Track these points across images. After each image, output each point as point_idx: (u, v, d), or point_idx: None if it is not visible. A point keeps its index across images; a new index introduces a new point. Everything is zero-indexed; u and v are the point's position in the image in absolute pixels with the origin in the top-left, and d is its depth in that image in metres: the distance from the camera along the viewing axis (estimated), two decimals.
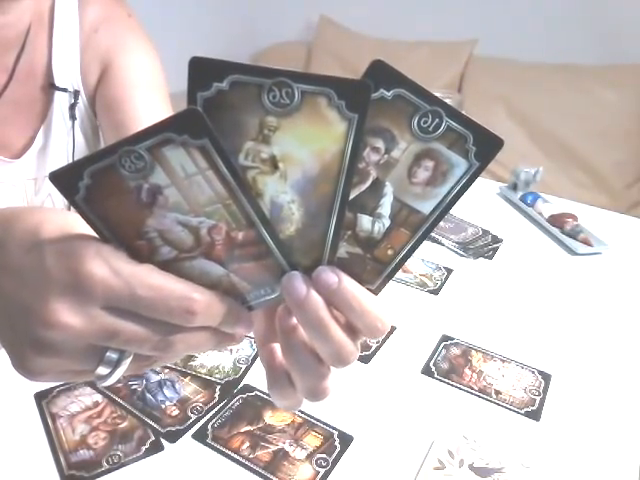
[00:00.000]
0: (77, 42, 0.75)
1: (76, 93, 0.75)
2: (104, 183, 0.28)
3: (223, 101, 0.27)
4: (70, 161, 0.77)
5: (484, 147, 0.30)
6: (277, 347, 0.35)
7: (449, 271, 0.83)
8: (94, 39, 0.76)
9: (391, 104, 0.29)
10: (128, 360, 0.31)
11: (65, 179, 0.28)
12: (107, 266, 0.29)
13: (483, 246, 0.91)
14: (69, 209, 0.86)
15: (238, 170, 0.28)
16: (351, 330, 0.32)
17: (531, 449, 0.54)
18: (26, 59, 0.72)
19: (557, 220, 0.97)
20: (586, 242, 0.91)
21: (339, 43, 2.40)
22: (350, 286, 0.31)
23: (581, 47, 2.06)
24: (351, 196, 0.31)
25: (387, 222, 0.32)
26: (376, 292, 0.33)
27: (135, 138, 0.27)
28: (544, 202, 1.03)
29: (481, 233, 0.95)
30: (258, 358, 0.62)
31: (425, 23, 2.26)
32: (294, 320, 0.32)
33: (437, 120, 0.29)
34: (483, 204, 1.07)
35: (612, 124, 1.95)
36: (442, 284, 0.80)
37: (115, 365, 0.31)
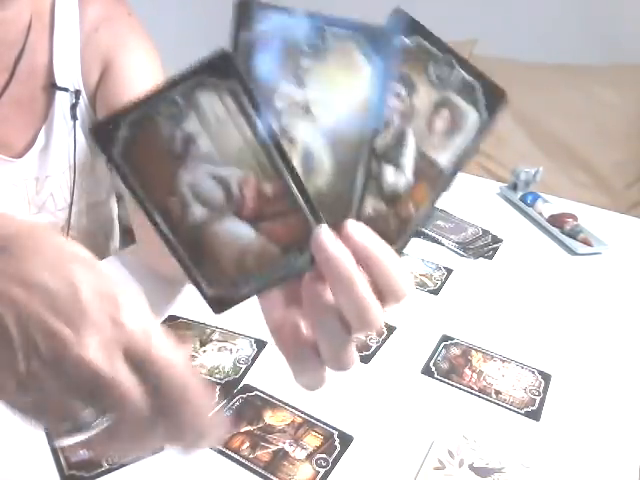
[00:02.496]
0: (78, 41, 0.75)
1: (77, 93, 0.75)
2: (141, 134, 0.28)
3: (263, 41, 0.28)
4: (71, 161, 0.77)
5: (491, 98, 0.31)
6: (301, 323, 0.35)
7: (449, 271, 0.83)
8: (94, 38, 0.76)
9: (410, 52, 0.30)
10: (97, 428, 0.30)
11: (104, 131, 0.28)
12: (143, 322, 0.29)
13: (483, 246, 0.91)
14: (70, 208, 0.86)
15: (266, 115, 0.28)
16: (375, 292, 0.32)
17: (531, 449, 0.54)
18: (27, 59, 0.72)
19: (557, 220, 0.97)
20: (586, 242, 0.91)
21: None
22: (379, 245, 0.31)
23: (581, 47, 2.06)
24: (376, 144, 0.31)
25: (410, 174, 0.32)
26: (399, 252, 0.33)
27: (170, 84, 0.28)
28: (544, 202, 1.03)
29: (481, 233, 0.95)
30: (258, 358, 0.62)
31: (425, 23, 2.25)
32: (321, 285, 0.32)
33: (450, 68, 0.30)
34: (483, 204, 1.07)
35: (612, 124, 1.95)
36: (442, 284, 0.80)
37: (85, 427, 0.30)
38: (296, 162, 0.30)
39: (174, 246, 0.31)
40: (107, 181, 0.87)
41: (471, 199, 1.05)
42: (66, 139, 0.76)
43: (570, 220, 0.95)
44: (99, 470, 0.49)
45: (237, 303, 0.33)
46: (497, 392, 0.61)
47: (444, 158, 0.31)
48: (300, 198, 0.30)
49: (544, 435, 0.56)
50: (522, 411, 0.58)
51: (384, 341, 0.67)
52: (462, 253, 0.89)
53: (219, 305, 0.33)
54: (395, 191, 0.32)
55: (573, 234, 0.93)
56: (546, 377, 0.63)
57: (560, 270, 0.87)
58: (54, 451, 0.50)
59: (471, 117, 0.31)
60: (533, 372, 0.64)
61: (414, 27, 0.30)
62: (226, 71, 0.27)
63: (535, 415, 0.58)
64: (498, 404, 0.59)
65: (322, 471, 0.50)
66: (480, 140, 0.31)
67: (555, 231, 0.95)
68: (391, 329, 0.69)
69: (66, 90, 0.74)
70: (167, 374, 0.30)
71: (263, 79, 0.29)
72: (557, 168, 1.98)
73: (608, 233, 0.94)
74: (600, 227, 0.96)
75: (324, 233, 0.31)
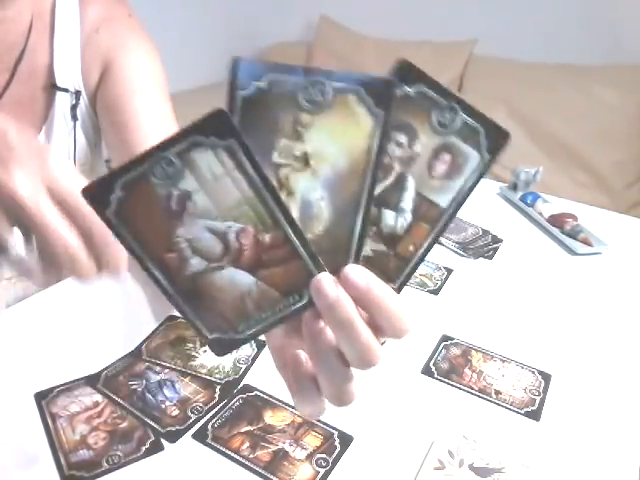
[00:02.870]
0: (78, 42, 0.75)
1: (77, 93, 0.75)
2: (135, 194, 0.28)
3: (262, 100, 0.28)
4: (71, 162, 0.77)
5: (493, 141, 0.32)
6: (301, 354, 0.35)
7: (449, 271, 0.83)
8: (95, 39, 0.76)
9: (413, 100, 0.31)
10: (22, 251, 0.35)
11: (96, 193, 0.29)
12: (68, 170, 0.35)
13: (483, 246, 0.91)
14: None
15: (263, 169, 0.29)
16: (376, 330, 0.32)
17: (531, 449, 0.54)
18: (27, 59, 0.72)
19: (557, 220, 0.97)
20: (586, 242, 0.91)
21: (339, 43, 2.40)
22: (379, 286, 0.31)
23: (581, 47, 2.06)
24: (376, 191, 0.31)
25: (409, 217, 0.33)
26: (398, 290, 0.33)
27: (165, 144, 0.28)
28: (544, 202, 1.03)
29: (481, 233, 0.95)
30: (258, 358, 0.62)
31: (425, 23, 2.26)
32: (321, 324, 0.32)
33: (453, 115, 0.31)
34: (483, 204, 1.07)
35: (612, 124, 1.95)
36: (442, 284, 0.80)
37: (10, 248, 0.34)
38: (295, 212, 0.30)
39: (172, 296, 0.32)
40: None
41: (471, 199, 1.05)
42: (66, 139, 0.77)
43: (570, 220, 0.95)
44: (99, 470, 0.49)
45: (240, 346, 0.34)
46: (497, 392, 0.61)
47: (444, 199, 0.32)
48: (299, 246, 0.31)
49: (544, 435, 0.56)
50: (522, 411, 0.58)
51: (384, 341, 0.67)
52: (462, 253, 0.89)
53: (221, 348, 0.33)
54: (394, 233, 0.33)
55: (573, 234, 0.93)
56: (546, 377, 0.63)
57: (560, 270, 0.87)
58: (54, 451, 0.50)
59: (473, 160, 0.32)
60: (533, 372, 0.64)
61: (417, 75, 0.30)
62: (222, 130, 0.27)
63: (535, 415, 0.58)
64: (498, 404, 0.59)
65: (322, 471, 0.50)
66: (479, 180, 0.32)
67: (555, 231, 0.95)
68: None
69: (66, 91, 0.74)
70: (90, 217, 0.33)
71: (261, 135, 0.29)
72: (557, 168, 1.99)
73: (608, 233, 0.94)
74: (600, 227, 0.96)
75: (323, 280, 0.31)
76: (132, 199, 0.29)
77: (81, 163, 0.79)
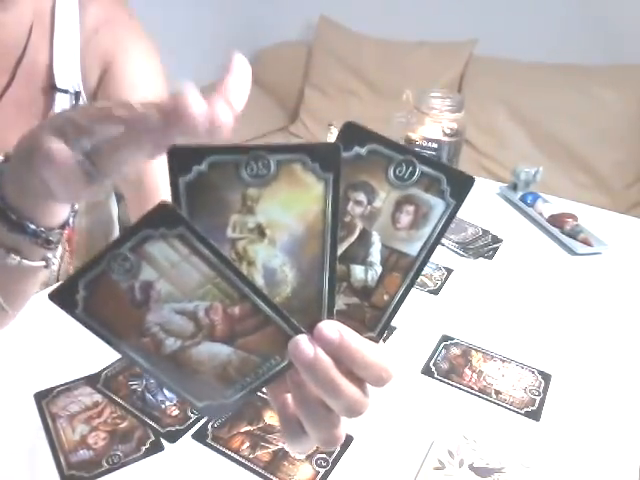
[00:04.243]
0: (78, 43, 0.75)
1: (77, 94, 0.75)
2: (99, 291, 0.29)
3: (205, 182, 0.29)
4: None
5: (457, 186, 0.32)
6: (289, 397, 0.35)
7: (449, 271, 0.83)
8: (94, 40, 0.75)
9: (367, 159, 0.31)
10: None
11: (62, 296, 0.30)
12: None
13: (483, 246, 0.91)
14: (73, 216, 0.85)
15: (218, 248, 0.29)
16: (359, 381, 0.32)
17: (531, 449, 0.54)
18: (27, 60, 0.72)
19: (557, 220, 0.97)
20: (586, 242, 0.91)
21: (339, 43, 2.40)
22: (352, 339, 0.31)
23: (581, 47, 2.06)
24: (341, 249, 0.32)
25: (379, 269, 0.33)
26: (377, 339, 0.34)
27: (118, 242, 0.28)
28: (544, 202, 1.03)
29: (481, 233, 0.95)
30: None
31: (425, 23, 2.26)
32: (303, 378, 0.32)
33: (411, 168, 0.31)
34: (483, 204, 1.07)
35: (612, 124, 1.95)
36: (442, 284, 0.80)
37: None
38: (259, 280, 0.31)
39: (157, 376, 0.32)
40: (107, 189, 0.87)
41: (471, 199, 1.05)
42: None
43: (570, 220, 0.95)
44: (99, 470, 0.49)
45: (232, 409, 0.34)
46: (497, 392, 0.61)
47: (413, 248, 0.33)
48: (270, 312, 0.31)
49: (544, 435, 0.56)
50: (522, 411, 0.58)
51: (384, 341, 0.67)
52: (462, 253, 0.89)
53: (214, 414, 0.35)
54: (366, 286, 0.33)
55: (573, 234, 0.93)
56: (546, 377, 0.63)
57: (560, 270, 0.87)
58: (54, 451, 0.50)
59: (438, 207, 0.32)
60: (533, 372, 0.64)
61: (368, 136, 0.31)
62: (169, 220, 0.28)
63: (535, 415, 0.58)
64: (498, 404, 0.59)
65: (322, 471, 0.50)
66: (449, 224, 0.33)
67: (555, 231, 0.95)
68: (391, 329, 0.69)
69: (66, 92, 0.74)
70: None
71: (212, 215, 0.29)
72: (557, 168, 1.98)
73: (608, 233, 0.94)
74: (600, 227, 0.96)
75: (299, 342, 0.31)
76: (97, 296, 0.29)
77: None
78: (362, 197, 0.32)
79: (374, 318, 0.34)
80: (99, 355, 0.61)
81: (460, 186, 0.32)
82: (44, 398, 0.56)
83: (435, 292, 0.78)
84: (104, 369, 0.60)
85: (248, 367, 0.33)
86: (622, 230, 1.00)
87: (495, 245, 0.92)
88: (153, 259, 0.29)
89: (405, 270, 0.33)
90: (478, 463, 0.52)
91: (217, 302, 0.30)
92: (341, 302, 0.33)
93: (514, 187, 1.10)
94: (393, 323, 0.70)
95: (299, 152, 0.29)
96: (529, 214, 1.02)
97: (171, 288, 0.30)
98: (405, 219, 0.32)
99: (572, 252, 0.91)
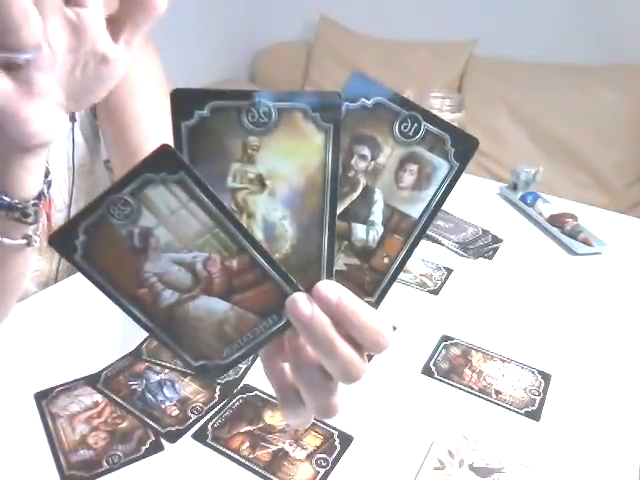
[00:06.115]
0: None
1: None
2: (98, 236, 0.29)
3: (206, 127, 0.29)
4: (70, 163, 0.77)
5: (462, 148, 0.31)
6: (286, 366, 0.35)
7: (449, 271, 0.83)
8: None
9: (372, 112, 0.31)
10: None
11: (62, 239, 0.29)
12: None
13: (483, 246, 0.91)
14: (69, 209, 0.85)
15: (218, 197, 0.29)
16: (357, 345, 0.32)
17: (531, 449, 0.54)
18: None
19: (557, 220, 0.97)
20: (586, 242, 0.91)
21: (339, 43, 2.40)
22: (350, 301, 0.31)
23: (581, 47, 2.06)
24: (344, 205, 0.32)
25: (380, 229, 0.33)
26: (376, 304, 0.33)
27: (118, 186, 0.28)
28: (544, 202, 1.03)
29: (481, 233, 0.95)
30: (258, 358, 0.62)
31: (425, 23, 2.26)
32: (301, 339, 0.32)
33: (416, 124, 0.31)
34: (483, 204, 1.07)
35: (612, 124, 1.95)
36: (442, 284, 0.80)
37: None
38: (258, 234, 0.31)
39: (153, 330, 0.32)
40: (106, 182, 0.87)
41: (471, 199, 1.05)
42: (64, 141, 0.76)
43: (570, 220, 0.95)
44: (99, 470, 0.49)
45: (227, 371, 0.34)
46: (497, 392, 0.61)
47: (416, 210, 0.32)
48: (268, 267, 0.31)
49: (544, 435, 0.56)
50: (522, 411, 0.58)
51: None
52: (462, 253, 0.89)
53: (208, 375, 0.34)
54: (367, 246, 0.33)
55: (573, 234, 0.93)
56: (546, 377, 0.63)
57: (560, 270, 0.87)
58: (54, 451, 0.50)
59: (442, 168, 0.32)
60: (533, 372, 0.64)
61: (376, 88, 0.31)
62: (170, 165, 0.28)
63: (535, 415, 0.58)
64: (498, 404, 0.59)
65: (322, 471, 0.50)
66: (451, 188, 0.32)
67: (555, 231, 0.95)
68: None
69: None
70: None
71: (213, 162, 0.29)
72: (557, 168, 1.99)
73: (608, 233, 0.94)
74: (600, 227, 0.95)
75: (297, 300, 0.31)
76: (96, 241, 0.29)
77: (80, 164, 0.79)
78: (366, 151, 0.31)
79: (373, 282, 0.33)
80: (99, 355, 0.61)
81: (464, 147, 0.32)
82: (44, 398, 0.56)
83: (435, 292, 0.78)
84: (104, 369, 0.60)
85: (245, 325, 0.32)
86: (622, 230, 1.00)
87: (495, 245, 0.92)
88: (153, 205, 0.29)
89: (406, 233, 0.32)
90: (478, 463, 0.52)
91: (215, 253, 0.30)
92: (341, 262, 0.33)
93: (514, 187, 1.09)
94: (393, 323, 0.71)
95: (300, 101, 0.29)
96: (529, 214, 1.02)
97: (170, 236, 0.30)
98: (408, 178, 0.32)
99: (572, 252, 0.91)
